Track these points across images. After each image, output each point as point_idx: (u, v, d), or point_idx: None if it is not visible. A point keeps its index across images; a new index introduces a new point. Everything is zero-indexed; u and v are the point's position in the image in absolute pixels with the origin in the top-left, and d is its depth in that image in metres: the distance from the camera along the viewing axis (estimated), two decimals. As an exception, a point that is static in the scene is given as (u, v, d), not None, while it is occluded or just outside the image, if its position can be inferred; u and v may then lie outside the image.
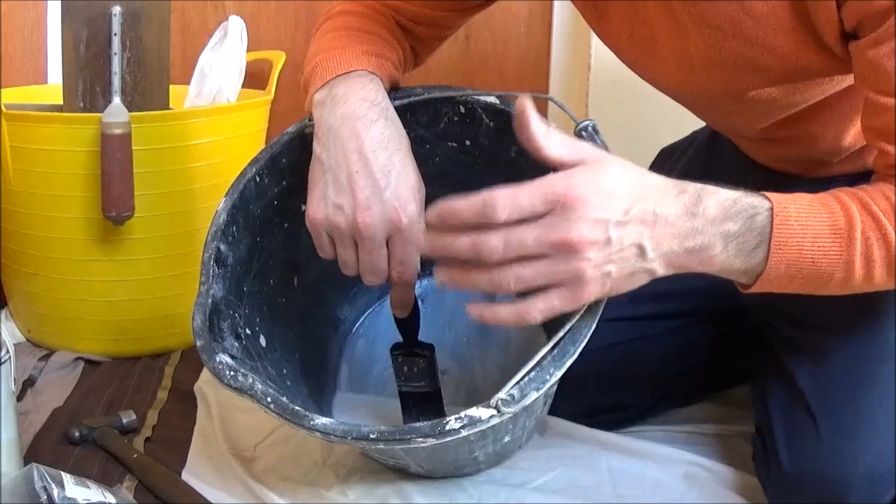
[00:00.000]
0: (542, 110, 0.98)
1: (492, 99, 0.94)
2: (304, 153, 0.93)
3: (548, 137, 0.70)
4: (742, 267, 0.76)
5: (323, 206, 0.86)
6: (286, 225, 0.99)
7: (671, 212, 0.71)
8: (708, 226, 0.72)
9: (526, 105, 0.70)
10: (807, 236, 0.74)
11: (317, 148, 0.87)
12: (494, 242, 0.69)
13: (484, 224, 0.69)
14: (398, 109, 0.91)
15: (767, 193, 0.75)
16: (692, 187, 0.73)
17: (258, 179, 0.94)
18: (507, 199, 0.68)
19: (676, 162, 1.22)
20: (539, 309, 0.72)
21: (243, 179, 0.93)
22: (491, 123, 0.95)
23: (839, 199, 0.76)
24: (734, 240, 0.74)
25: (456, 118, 0.96)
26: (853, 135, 0.95)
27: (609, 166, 0.70)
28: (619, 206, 0.69)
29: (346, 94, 0.87)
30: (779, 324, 1.03)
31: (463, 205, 0.69)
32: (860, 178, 0.99)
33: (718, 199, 0.73)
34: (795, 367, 0.97)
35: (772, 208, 0.74)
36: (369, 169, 0.84)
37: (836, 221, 0.75)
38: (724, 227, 0.73)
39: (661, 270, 0.74)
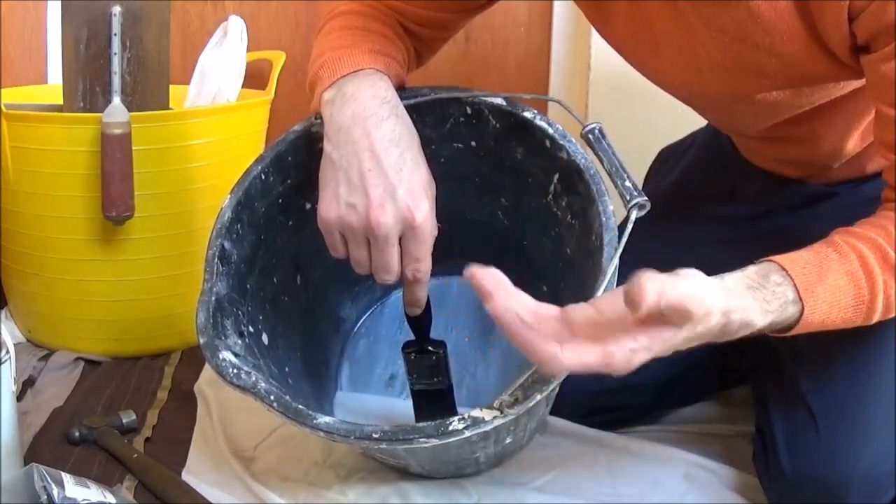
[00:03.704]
0: (545, 111, 0.98)
1: (499, 100, 0.93)
2: (309, 152, 0.94)
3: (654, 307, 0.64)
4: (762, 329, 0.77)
5: (335, 205, 0.85)
6: (290, 223, 0.99)
7: (695, 342, 0.68)
8: (726, 338, 0.72)
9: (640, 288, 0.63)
10: (830, 316, 0.75)
11: (327, 147, 0.87)
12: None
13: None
14: None
15: (800, 285, 0.74)
16: (735, 324, 0.69)
17: (263, 177, 0.94)
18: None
19: (677, 163, 1.22)
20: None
21: (248, 177, 0.93)
22: (497, 125, 0.95)
23: (864, 263, 0.75)
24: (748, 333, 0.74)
25: (462, 119, 0.96)
26: (856, 138, 0.96)
27: (679, 334, 0.65)
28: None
29: (356, 93, 0.87)
30: (779, 324, 1.03)
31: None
32: (859, 183, 0.99)
33: (751, 330, 0.72)
34: (796, 367, 0.97)
35: (801, 310, 0.74)
36: (381, 167, 0.84)
37: (860, 293, 0.75)
38: (743, 335, 0.73)
39: None
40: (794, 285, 0.74)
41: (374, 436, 0.79)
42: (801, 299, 0.74)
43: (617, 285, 0.84)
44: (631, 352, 0.64)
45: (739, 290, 0.71)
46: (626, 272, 0.84)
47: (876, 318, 0.77)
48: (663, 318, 0.64)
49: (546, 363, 0.63)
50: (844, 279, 0.75)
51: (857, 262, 0.76)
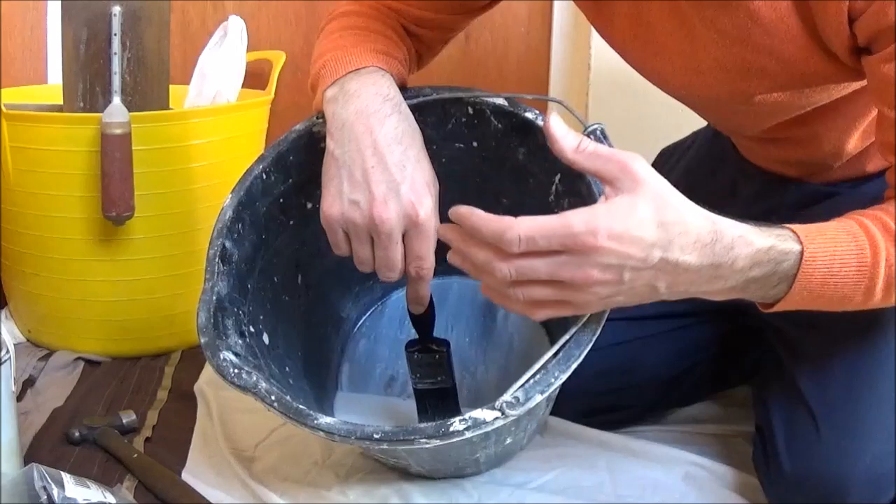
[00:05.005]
0: (545, 112, 0.98)
1: (500, 100, 0.93)
2: (310, 151, 0.94)
3: (578, 152, 0.72)
4: (759, 296, 0.77)
5: (339, 202, 0.85)
6: (291, 223, 0.99)
7: (695, 262, 0.70)
8: (732, 274, 0.73)
9: (550, 121, 0.72)
10: (832, 269, 0.75)
11: (330, 144, 0.87)
12: (506, 270, 0.70)
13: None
14: None
15: (799, 231, 0.75)
16: (729, 234, 0.71)
17: (264, 177, 0.94)
18: (524, 237, 0.68)
19: (677, 162, 1.22)
20: (545, 315, 0.75)
21: (249, 176, 0.93)
22: (499, 125, 0.95)
23: (864, 226, 0.76)
24: (756, 282, 0.74)
25: (464, 119, 0.96)
26: (856, 138, 0.96)
27: (642, 201, 0.69)
28: (638, 254, 0.68)
29: (359, 90, 0.87)
30: (779, 324, 1.03)
31: (483, 223, 0.70)
32: (860, 183, 0.99)
33: (751, 250, 0.72)
34: (796, 367, 0.97)
35: (801, 251, 0.74)
36: (384, 164, 0.84)
37: (862, 252, 0.75)
38: (749, 274, 0.73)
39: (670, 298, 0.75)
40: (793, 230, 0.75)
41: (375, 436, 0.79)
42: (801, 242, 0.74)
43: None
44: (591, 214, 0.68)
45: (727, 219, 0.73)
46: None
47: (878, 289, 0.76)
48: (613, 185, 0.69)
49: (504, 228, 0.69)
50: (844, 235, 0.75)
51: (856, 225, 0.76)
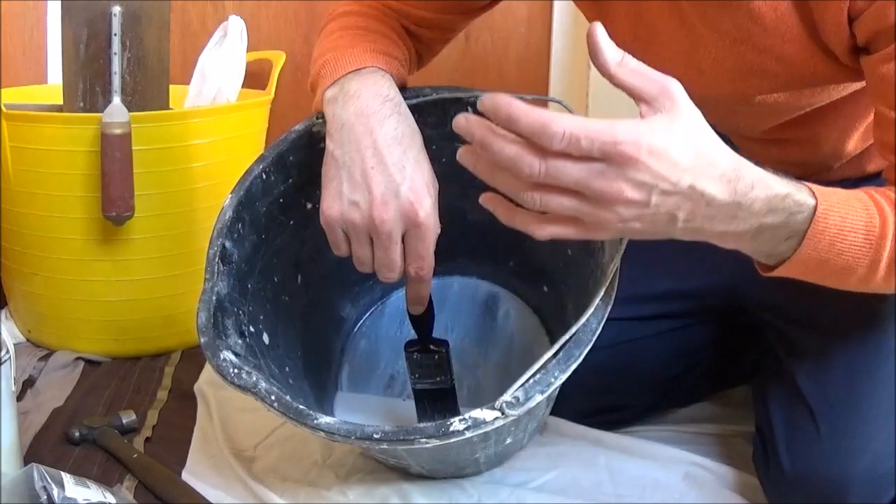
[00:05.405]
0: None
1: None
2: (310, 151, 0.94)
3: (621, 66, 0.69)
4: (767, 251, 0.76)
5: (338, 202, 0.85)
6: (291, 223, 0.99)
7: (718, 196, 0.68)
8: (749, 216, 0.71)
9: (596, 30, 0.69)
10: (842, 231, 0.74)
11: (330, 145, 0.87)
12: (538, 167, 0.66)
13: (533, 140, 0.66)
14: None
15: (814, 188, 0.74)
16: (750, 175, 0.70)
17: (264, 177, 0.94)
18: (569, 133, 0.64)
19: None
20: (551, 232, 0.71)
21: (249, 176, 0.94)
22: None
23: (875, 199, 0.75)
24: (768, 230, 0.73)
25: None
26: (857, 139, 0.96)
27: (679, 124, 0.67)
28: (672, 177, 0.66)
29: (359, 91, 0.87)
30: (779, 324, 1.03)
31: (524, 113, 0.65)
32: (861, 182, 1.00)
33: (769, 193, 0.71)
34: (796, 367, 0.97)
35: (815, 206, 0.73)
36: (384, 164, 0.84)
37: (871, 221, 0.74)
38: (763, 220, 0.71)
39: (681, 237, 0.72)
40: (808, 186, 0.74)
41: (375, 436, 0.79)
42: (815, 197, 0.73)
43: (619, 286, 0.84)
44: (635, 126, 0.65)
45: (748, 160, 0.71)
46: (627, 272, 0.85)
47: (882, 265, 0.75)
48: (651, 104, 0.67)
49: (549, 120, 0.64)
50: (856, 202, 0.74)
51: (867, 196, 0.75)
